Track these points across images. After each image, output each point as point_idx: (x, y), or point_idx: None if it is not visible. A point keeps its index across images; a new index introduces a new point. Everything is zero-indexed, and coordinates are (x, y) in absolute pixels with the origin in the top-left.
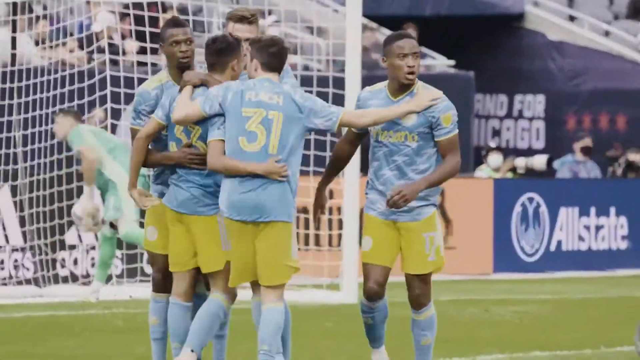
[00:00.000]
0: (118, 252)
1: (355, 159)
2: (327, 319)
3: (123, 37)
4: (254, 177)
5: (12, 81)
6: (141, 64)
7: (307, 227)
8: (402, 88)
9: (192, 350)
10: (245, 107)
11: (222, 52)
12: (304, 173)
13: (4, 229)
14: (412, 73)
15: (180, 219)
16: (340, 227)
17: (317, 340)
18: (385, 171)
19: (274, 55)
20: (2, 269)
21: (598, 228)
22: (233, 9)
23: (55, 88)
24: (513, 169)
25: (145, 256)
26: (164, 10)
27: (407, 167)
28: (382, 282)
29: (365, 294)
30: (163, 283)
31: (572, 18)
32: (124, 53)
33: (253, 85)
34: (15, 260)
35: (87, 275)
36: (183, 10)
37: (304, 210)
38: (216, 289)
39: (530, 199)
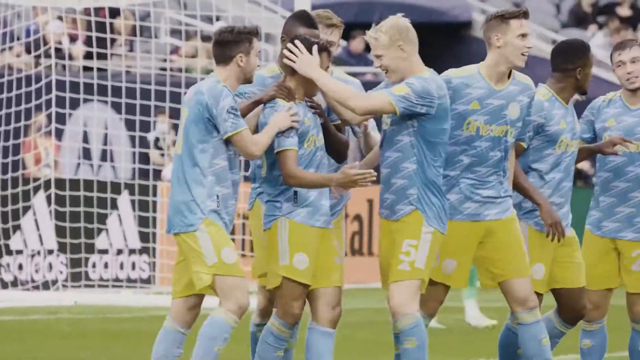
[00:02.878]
0: (63, 257)
1: None
2: None
3: (71, 40)
4: None
5: None
6: (87, 68)
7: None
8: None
9: None
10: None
11: (226, 45)
12: (248, 179)
13: None
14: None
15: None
16: None
17: None
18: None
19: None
20: None
21: None
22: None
23: (1, 92)
24: None
25: (91, 260)
26: (112, 15)
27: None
28: None
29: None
30: None
31: None
32: (70, 58)
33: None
34: None
35: (30, 281)
36: (131, 15)
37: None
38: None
39: None
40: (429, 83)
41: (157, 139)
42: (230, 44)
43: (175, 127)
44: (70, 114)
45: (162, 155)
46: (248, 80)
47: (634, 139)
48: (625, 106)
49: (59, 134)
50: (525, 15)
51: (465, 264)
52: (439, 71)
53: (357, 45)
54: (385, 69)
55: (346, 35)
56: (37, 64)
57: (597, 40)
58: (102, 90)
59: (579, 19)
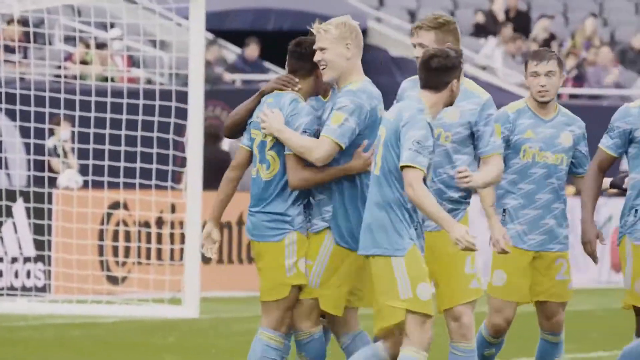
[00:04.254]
0: None
1: (199, 172)
2: (169, 333)
3: None
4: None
5: None
6: None
7: (148, 240)
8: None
9: None
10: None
11: (441, 71)
12: (145, 187)
13: None
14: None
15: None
16: (182, 241)
17: (159, 355)
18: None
19: (419, 68)
20: None
21: None
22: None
23: None
24: None
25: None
26: (5, 22)
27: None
28: None
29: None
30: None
31: None
32: None
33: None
34: None
35: None
36: (24, 22)
37: (146, 224)
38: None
39: None
40: (358, 96)
41: (55, 147)
42: (446, 69)
43: (73, 135)
44: None
45: (62, 162)
46: (451, 104)
47: (552, 150)
48: (538, 117)
49: None
50: None
51: None
52: None
53: (252, 52)
54: (325, 64)
55: (241, 42)
56: None
57: (490, 49)
58: None
59: (473, 28)
